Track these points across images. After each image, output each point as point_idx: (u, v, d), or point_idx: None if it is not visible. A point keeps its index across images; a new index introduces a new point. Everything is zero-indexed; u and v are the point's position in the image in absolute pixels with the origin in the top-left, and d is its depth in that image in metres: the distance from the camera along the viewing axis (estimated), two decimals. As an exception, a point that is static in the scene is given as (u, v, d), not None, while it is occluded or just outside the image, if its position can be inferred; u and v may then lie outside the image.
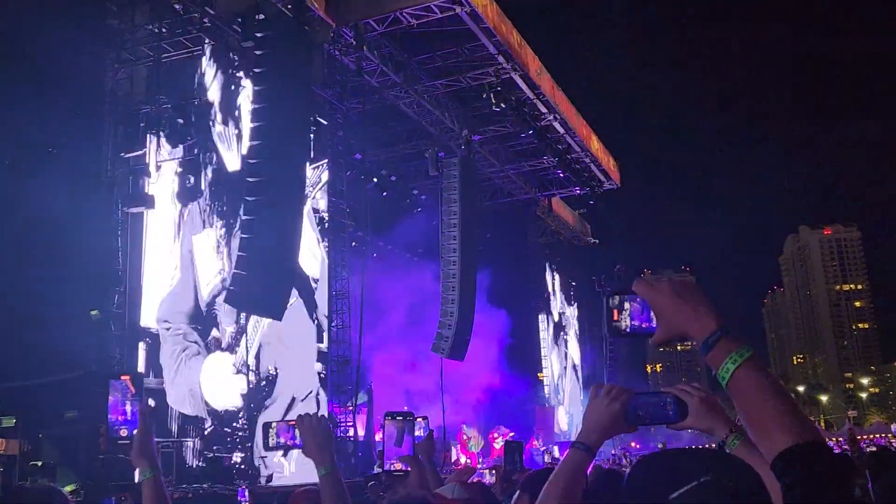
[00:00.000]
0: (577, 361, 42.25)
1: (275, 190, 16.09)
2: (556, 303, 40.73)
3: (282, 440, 2.85)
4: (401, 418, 2.60)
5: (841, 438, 32.89)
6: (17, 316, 15.10)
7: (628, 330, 1.74)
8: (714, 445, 2.14)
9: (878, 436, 42.00)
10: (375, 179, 24.85)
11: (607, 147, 34.49)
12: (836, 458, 1.47)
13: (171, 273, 17.41)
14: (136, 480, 2.56)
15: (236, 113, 19.61)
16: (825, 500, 1.37)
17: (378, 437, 22.79)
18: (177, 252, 17.59)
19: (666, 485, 1.47)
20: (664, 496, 1.44)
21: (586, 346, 42.67)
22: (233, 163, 19.26)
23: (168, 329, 17.07)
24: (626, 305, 1.75)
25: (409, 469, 2.59)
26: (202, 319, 17.93)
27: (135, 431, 2.60)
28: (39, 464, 13.38)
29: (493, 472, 9.96)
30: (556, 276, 40.80)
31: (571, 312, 42.55)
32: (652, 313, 1.69)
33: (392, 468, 2.57)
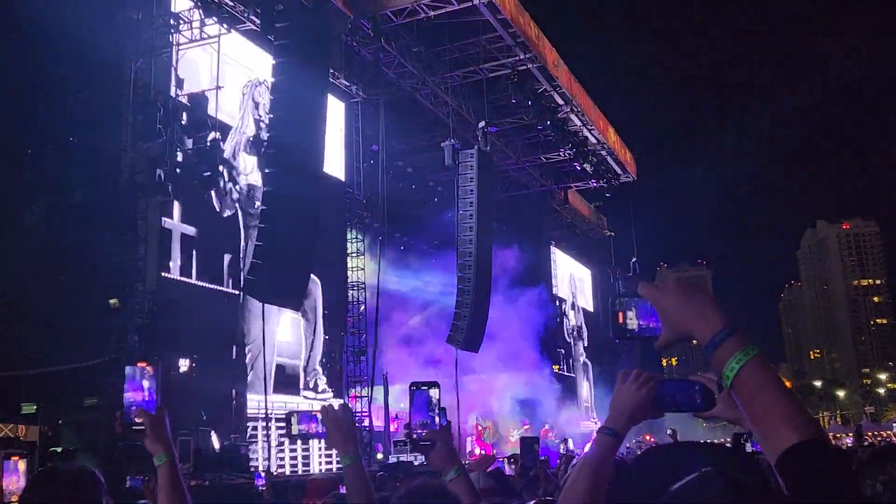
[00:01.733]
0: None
1: (292, 181, 16.13)
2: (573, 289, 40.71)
3: (305, 429, 2.85)
4: (426, 388, 2.61)
5: (850, 434, 32.70)
6: (39, 304, 15.27)
7: (634, 332, 1.72)
8: (744, 436, 2.11)
9: (885, 433, 41.40)
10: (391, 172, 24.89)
11: (624, 139, 34.37)
12: (840, 455, 1.45)
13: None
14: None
15: (254, 104, 19.70)
16: (828, 498, 1.36)
17: (394, 426, 22.96)
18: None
19: (668, 476, 1.46)
20: (665, 487, 1.43)
21: (603, 339, 42.59)
22: (250, 152, 19.37)
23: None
24: (632, 307, 1.73)
25: (435, 438, 2.59)
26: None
27: (148, 416, 2.58)
28: (59, 450, 13.54)
29: (512, 462, 9.98)
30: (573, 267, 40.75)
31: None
32: (655, 315, 1.67)
33: (420, 438, 2.57)
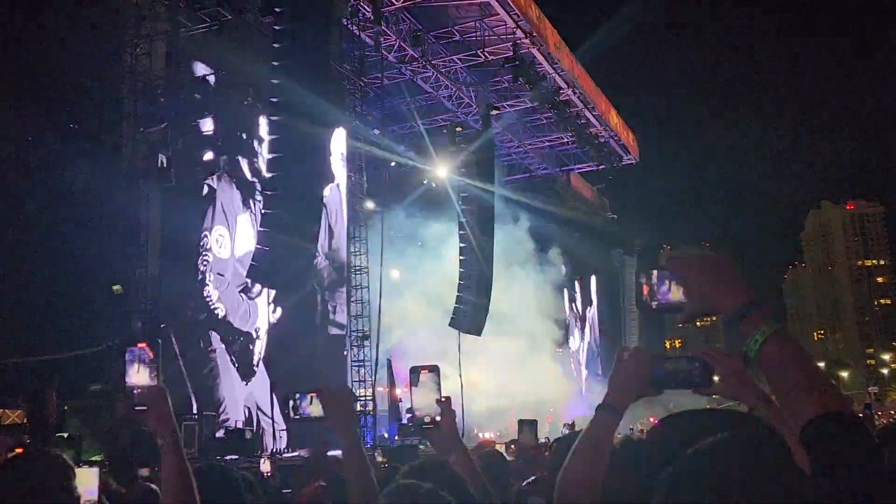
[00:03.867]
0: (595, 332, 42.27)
1: (295, 165, 16.08)
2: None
3: (305, 411, 2.85)
4: (426, 370, 2.61)
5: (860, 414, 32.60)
6: (42, 291, 15.30)
7: (658, 305, 1.73)
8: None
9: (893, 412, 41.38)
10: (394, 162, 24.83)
11: (626, 122, 34.22)
12: (862, 427, 1.47)
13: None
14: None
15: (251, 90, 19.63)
16: (851, 469, 1.37)
17: (401, 397, 22.95)
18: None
19: (683, 441, 1.45)
20: (680, 452, 1.42)
21: (604, 321, 42.65)
22: (253, 139, 19.33)
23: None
24: (656, 280, 1.74)
25: (439, 420, 2.59)
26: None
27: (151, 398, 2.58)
28: (66, 435, 13.60)
29: (510, 447, 10.00)
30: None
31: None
32: (681, 288, 1.69)
33: (423, 421, 2.58)
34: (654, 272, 1.74)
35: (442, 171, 26.47)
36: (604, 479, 1.97)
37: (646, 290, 1.74)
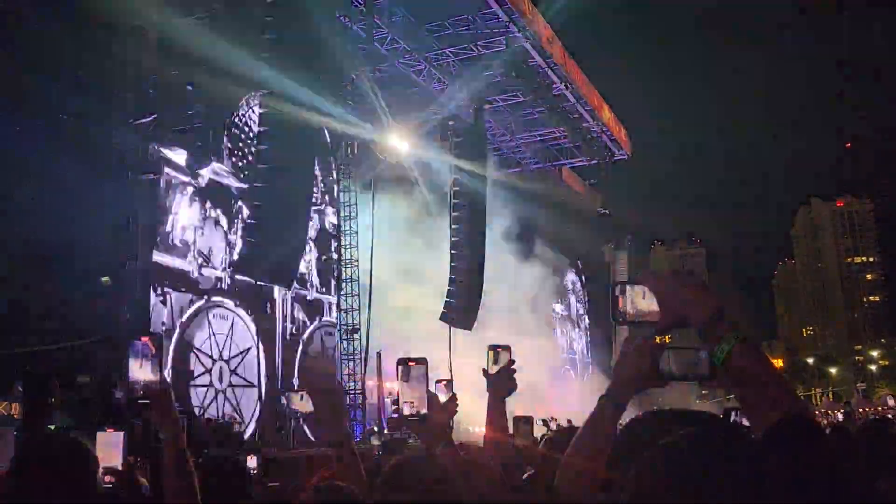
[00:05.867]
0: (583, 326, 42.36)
1: (286, 157, 16.06)
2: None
3: (296, 409, 2.88)
4: (414, 363, 2.60)
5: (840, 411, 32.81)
6: (30, 283, 15.22)
7: (633, 316, 1.82)
8: (736, 410, 2.10)
9: (879, 408, 41.58)
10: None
11: (618, 117, 34.22)
12: (818, 431, 1.56)
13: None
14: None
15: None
16: (811, 471, 1.43)
17: (389, 390, 22.95)
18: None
19: (654, 438, 1.48)
20: (647, 447, 1.46)
21: (593, 318, 42.73)
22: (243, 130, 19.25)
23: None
24: (631, 293, 1.83)
25: (425, 412, 2.58)
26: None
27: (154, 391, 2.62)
28: (53, 428, 13.54)
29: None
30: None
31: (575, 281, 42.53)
32: (654, 302, 1.78)
33: (410, 414, 2.56)
34: (629, 286, 1.83)
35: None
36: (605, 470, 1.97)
37: (621, 302, 1.84)
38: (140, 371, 2.63)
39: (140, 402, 2.58)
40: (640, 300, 1.82)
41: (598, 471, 1.96)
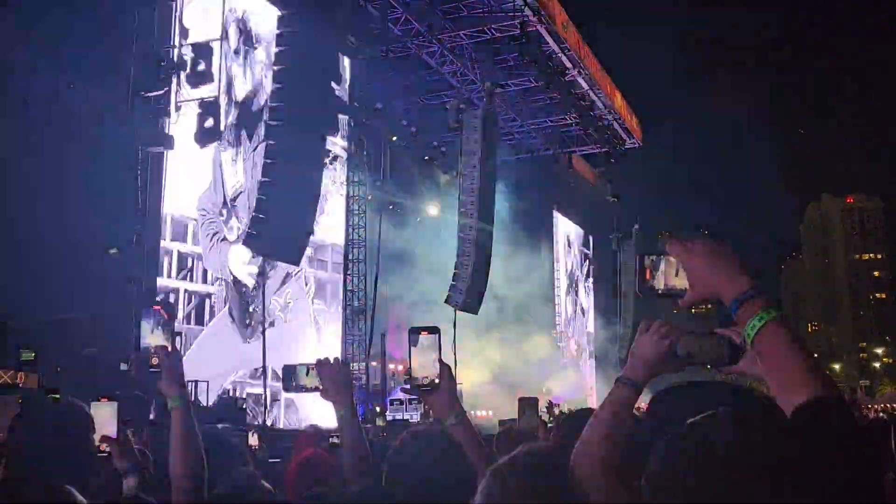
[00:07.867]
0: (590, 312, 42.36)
1: (296, 133, 16.02)
2: (571, 255, 40.80)
3: (302, 383, 2.87)
4: (426, 332, 2.56)
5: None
6: (38, 252, 15.25)
7: (660, 289, 1.76)
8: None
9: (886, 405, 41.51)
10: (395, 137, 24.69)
11: (630, 105, 34.06)
12: (849, 412, 1.51)
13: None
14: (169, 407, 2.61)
15: (254, 56, 19.49)
16: (839, 452, 1.39)
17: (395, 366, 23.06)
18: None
19: (684, 413, 1.42)
20: (676, 424, 1.41)
21: (600, 304, 42.69)
22: (253, 102, 19.21)
23: (204, 216, 18.49)
24: (660, 265, 1.76)
25: (438, 381, 2.55)
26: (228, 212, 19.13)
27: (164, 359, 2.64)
28: (58, 396, 13.60)
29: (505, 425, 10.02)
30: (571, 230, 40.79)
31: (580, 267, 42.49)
32: (683, 274, 1.72)
33: (421, 383, 2.53)
34: (657, 257, 1.77)
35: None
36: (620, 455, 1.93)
37: (648, 273, 1.77)
38: (152, 337, 2.66)
39: (151, 370, 2.61)
40: (671, 271, 1.75)
41: (613, 455, 1.91)
